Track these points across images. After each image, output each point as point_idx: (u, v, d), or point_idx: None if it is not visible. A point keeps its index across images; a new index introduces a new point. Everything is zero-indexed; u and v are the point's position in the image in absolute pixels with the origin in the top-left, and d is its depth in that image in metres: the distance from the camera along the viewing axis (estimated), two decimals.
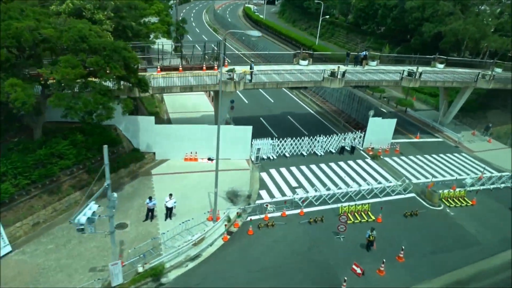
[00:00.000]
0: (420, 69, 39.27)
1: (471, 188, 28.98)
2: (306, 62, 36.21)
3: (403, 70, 34.80)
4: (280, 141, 31.25)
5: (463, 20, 50.04)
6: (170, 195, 22.35)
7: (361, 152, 33.69)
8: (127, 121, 27.15)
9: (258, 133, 32.79)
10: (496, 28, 51.84)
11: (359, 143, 34.05)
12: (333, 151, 32.93)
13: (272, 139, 31.01)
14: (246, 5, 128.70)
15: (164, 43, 35.57)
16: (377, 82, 33.94)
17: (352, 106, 40.55)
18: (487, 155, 35.98)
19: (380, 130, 33.67)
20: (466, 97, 39.36)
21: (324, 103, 44.73)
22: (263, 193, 26.45)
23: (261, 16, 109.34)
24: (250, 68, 29.65)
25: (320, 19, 69.84)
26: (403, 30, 64.19)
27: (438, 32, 52.47)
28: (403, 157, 33.61)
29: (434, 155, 34.75)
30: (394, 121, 34.00)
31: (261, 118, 38.99)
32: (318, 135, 32.73)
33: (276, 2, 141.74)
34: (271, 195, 26.27)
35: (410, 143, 36.93)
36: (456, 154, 35.58)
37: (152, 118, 27.52)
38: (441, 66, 41.56)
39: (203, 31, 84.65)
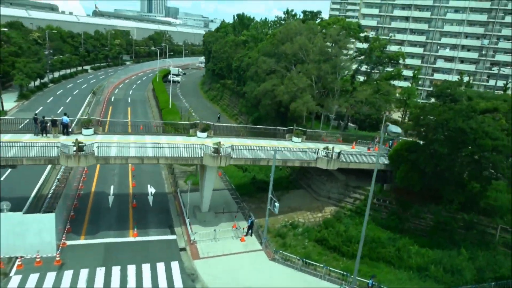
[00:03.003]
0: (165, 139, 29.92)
1: None
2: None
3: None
4: None
5: (280, 79, 41.49)
6: None
7: None
8: None
9: None
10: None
11: None
12: None
13: None
14: (170, 67, 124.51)
15: None
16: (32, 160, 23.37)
17: None
18: (214, 264, 24.62)
19: (28, 231, 22.76)
20: (213, 177, 28.86)
21: None
22: None
23: (179, 78, 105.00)
24: None
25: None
26: None
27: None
28: (35, 276, 22.03)
29: (116, 267, 23.40)
30: (52, 216, 23.18)
31: None
32: None
33: None
34: None
35: (110, 245, 25.70)
36: (160, 264, 24.22)
37: None
38: (203, 135, 31.80)
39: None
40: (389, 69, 50.67)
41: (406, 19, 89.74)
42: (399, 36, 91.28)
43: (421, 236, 29.20)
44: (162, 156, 25.77)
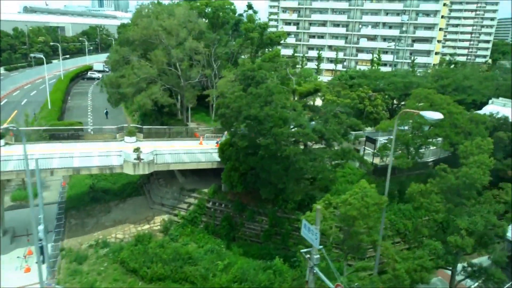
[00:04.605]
0: None
1: None
2: None
3: None
4: None
5: None
6: None
7: None
8: None
9: None
10: None
11: None
12: None
13: None
14: (94, 63, 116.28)
15: None
16: None
17: None
18: None
19: None
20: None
21: None
22: None
23: (99, 75, 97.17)
24: None
25: None
26: None
27: None
28: None
29: None
30: None
31: None
32: None
33: None
34: None
35: None
36: None
37: None
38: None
39: None
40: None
41: None
42: (321, 17, 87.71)
43: (256, 243, 25.14)
44: None
